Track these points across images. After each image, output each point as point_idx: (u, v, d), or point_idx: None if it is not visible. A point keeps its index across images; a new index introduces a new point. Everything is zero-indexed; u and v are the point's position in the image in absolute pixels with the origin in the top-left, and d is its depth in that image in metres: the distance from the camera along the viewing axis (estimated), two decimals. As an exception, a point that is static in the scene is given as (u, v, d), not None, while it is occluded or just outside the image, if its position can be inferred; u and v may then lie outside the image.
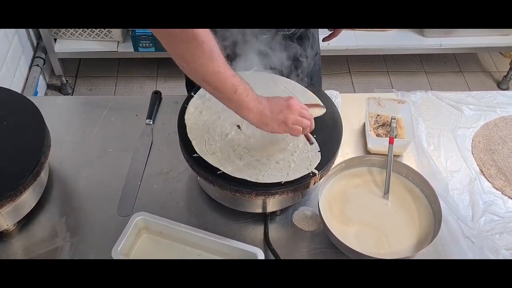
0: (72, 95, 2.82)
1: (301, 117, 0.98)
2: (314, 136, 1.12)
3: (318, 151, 1.10)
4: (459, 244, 1.16)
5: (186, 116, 1.16)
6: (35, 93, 2.59)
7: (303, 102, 1.06)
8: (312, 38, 1.42)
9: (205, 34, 0.91)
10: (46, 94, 2.81)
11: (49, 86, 2.87)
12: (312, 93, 1.23)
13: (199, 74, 0.95)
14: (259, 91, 1.21)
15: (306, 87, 1.25)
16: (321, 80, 1.65)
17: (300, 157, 1.09)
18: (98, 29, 2.60)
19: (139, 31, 2.58)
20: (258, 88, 1.22)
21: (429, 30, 2.76)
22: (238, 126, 1.15)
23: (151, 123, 1.37)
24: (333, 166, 1.16)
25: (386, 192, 1.18)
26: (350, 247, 1.04)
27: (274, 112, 0.97)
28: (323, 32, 1.46)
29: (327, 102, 1.22)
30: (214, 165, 1.06)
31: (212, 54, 0.92)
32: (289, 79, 1.26)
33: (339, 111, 1.22)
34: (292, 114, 0.97)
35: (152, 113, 1.39)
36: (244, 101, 0.96)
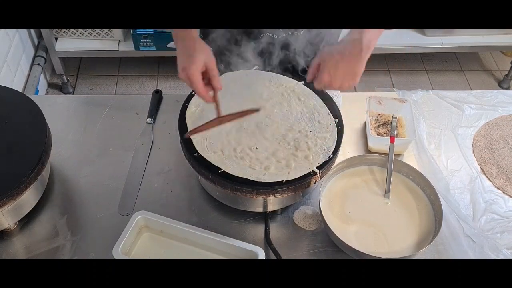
0: (73, 94, 2.83)
1: (189, 77, 1.02)
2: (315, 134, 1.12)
3: (329, 157, 1.10)
4: (459, 243, 1.16)
5: (187, 115, 1.16)
6: (36, 92, 2.59)
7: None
8: None
9: None
10: (47, 93, 2.82)
11: (50, 85, 2.88)
12: (313, 92, 1.23)
13: None
14: (260, 90, 1.22)
15: (307, 86, 1.25)
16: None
17: (301, 156, 1.09)
18: (99, 28, 2.60)
19: (140, 30, 2.58)
20: (258, 87, 1.23)
21: (430, 29, 2.76)
22: (239, 125, 1.15)
23: (152, 122, 1.37)
24: (334, 165, 1.16)
25: (387, 191, 1.18)
26: (351, 246, 1.04)
27: (180, 61, 1.03)
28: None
29: (328, 101, 1.22)
30: (215, 164, 1.06)
31: None
32: (290, 78, 1.26)
33: (340, 110, 1.22)
34: (184, 70, 1.02)
35: (153, 112, 1.39)
36: (175, 43, 1.06)
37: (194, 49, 1.02)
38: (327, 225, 1.09)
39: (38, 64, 2.65)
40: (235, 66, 1.24)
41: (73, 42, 2.68)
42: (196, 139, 1.11)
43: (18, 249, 1.12)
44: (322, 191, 1.16)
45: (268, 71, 1.27)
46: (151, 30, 2.57)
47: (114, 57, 2.87)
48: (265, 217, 1.17)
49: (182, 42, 1.04)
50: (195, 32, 1.05)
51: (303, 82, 1.26)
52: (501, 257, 1.13)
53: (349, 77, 1.04)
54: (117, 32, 2.65)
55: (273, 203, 1.13)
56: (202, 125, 1.06)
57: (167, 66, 2.95)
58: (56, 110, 1.41)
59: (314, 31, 1.27)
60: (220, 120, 1.06)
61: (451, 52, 3.09)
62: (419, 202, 1.18)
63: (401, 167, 1.22)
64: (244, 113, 1.08)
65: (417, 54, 3.10)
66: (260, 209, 1.15)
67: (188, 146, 1.10)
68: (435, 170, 1.29)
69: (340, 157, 1.20)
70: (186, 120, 1.15)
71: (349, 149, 1.34)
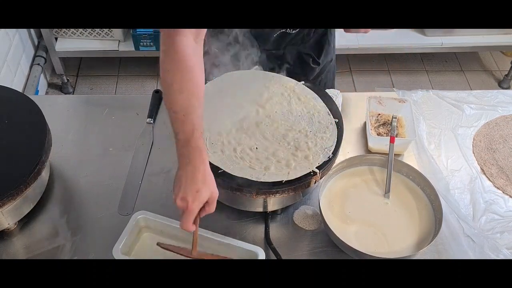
0: (73, 94, 2.83)
1: (186, 210, 0.95)
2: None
3: (329, 157, 1.10)
4: (459, 243, 1.16)
5: (187, 115, 1.16)
6: (36, 92, 2.59)
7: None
8: (328, 45, 1.43)
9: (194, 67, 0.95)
10: (47, 93, 2.82)
11: (50, 85, 2.88)
12: (313, 92, 1.24)
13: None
14: (260, 90, 1.22)
15: (307, 86, 1.25)
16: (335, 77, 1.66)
17: (301, 156, 1.09)
18: (99, 28, 2.60)
19: (140, 30, 2.58)
20: (258, 87, 1.23)
21: (430, 29, 2.76)
22: (240, 125, 1.15)
23: (152, 122, 1.37)
24: (334, 165, 1.16)
25: (387, 191, 1.18)
26: (351, 246, 1.04)
27: (183, 185, 0.95)
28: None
29: (328, 101, 1.22)
30: (215, 164, 1.06)
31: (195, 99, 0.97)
32: (290, 78, 1.26)
33: (340, 110, 1.22)
34: (185, 201, 0.95)
35: (153, 112, 1.39)
36: (178, 150, 0.97)
37: (204, 182, 0.95)
38: (327, 225, 1.09)
39: (38, 64, 2.65)
40: (236, 66, 1.24)
41: (73, 42, 2.67)
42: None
43: (18, 249, 1.12)
44: (322, 191, 1.16)
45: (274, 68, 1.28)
46: (151, 30, 2.57)
47: (114, 57, 2.87)
48: (265, 217, 1.17)
49: (192, 165, 0.95)
50: (205, 153, 0.97)
51: (303, 82, 1.26)
52: (501, 257, 1.13)
53: None
54: (117, 32, 2.65)
55: (273, 203, 1.13)
56: (174, 247, 1.04)
57: (167, 66, 2.95)
58: (56, 110, 1.40)
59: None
60: (190, 255, 1.02)
61: (451, 52, 3.09)
62: (419, 202, 1.18)
63: (401, 167, 1.22)
64: (218, 257, 1.05)
65: (417, 54, 3.10)
66: (260, 209, 1.15)
67: (188, 146, 1.10)
68: (435, 170, 1.29)
69: (340, 157, 1.20)
70: (186, 120, 1.15)
71: (349, 149, 1.34)
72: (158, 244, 1.05)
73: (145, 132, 1.35)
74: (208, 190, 0.96)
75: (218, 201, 1.17)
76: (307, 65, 1.37)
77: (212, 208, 0.99)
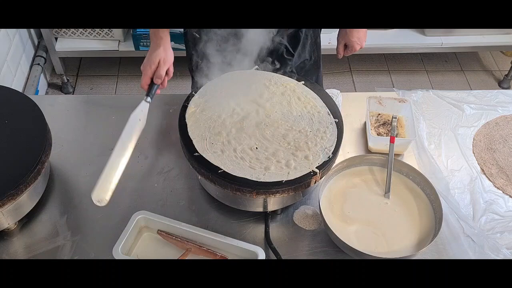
0: (73, 94, 2.82)
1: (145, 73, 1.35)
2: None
3: (329, 157, 1.10)
4: (460, 243, 1.16)
5: (187, 115, 1.16)
6: (36, 92, 2.59)
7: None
8: (306, 39, 1.44)
9: None
10: (47, 93, 2.81)
11: (50, 85, 2.87)
12: (313, 92, 1.23)
13: None
14: (260, 89, 1.22)
15: (307, 86, 1.25)
16: (322, 79, 1.67)
17: (301, 156, 1.09)
18: (99, 28, 2.60)
19: (140, 30, 2.58)
20: (258, 87, 1.23)
21: (430, 29, 2.76)
22: (240, 125, 1.15)
23: (149, 100, 1.32)
24: (334, 165, 1.16)
25: (387, 191, 1.18)
26: (351, 246, 1.04)
27: (150, 57, 1.34)
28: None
29: (328, 101, 1.22)
30: (215, 164, 1.06)
31: None
32: (290, 78, 1.26)
33: (340, 110, 1.22)
34: (147, 67, 1.34)
35: (151, 90, 1.33)
36: (150, 39, 1.34)
37: (152, 51, 1.34)
38: (327, 225, 1.09)
39: (38, 64, 2.65)
40: (235, 66, 1.24)
41: (73, 42, 2.67)
42: (196, 139, 1.11)
43: (18, 249, 1.12)
44: (322, 191, 1.16)
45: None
46: (151, 30, 2.57)
47: (114, 57, 2.87)
48: (265, 217, 1.17)
49: (156, 48, 1.32)
50: (163, 32, 1.29)
51: (303, 82, 1.26)
52: (501, 257, 1.13)
53: (365, 38, 1.48)
54: (117, 32, 2.65)
55: (273, 203, 1.13)
56: (175, 236, 1.10)
57: (167, 66, 2.95)
58: (56, 110, 1.41)
59: None
60: (188, 249, 1.10)
61: (451, 52, 3.08)
62: (419, 202, 1.18)
63: (401, 167, 1.22)
64: (214, 255, 1.09)
65: (417, 54, 3.10)
66: (260, 209, 1.15)
67: (188, 146, 1.10)
68: (435, 170, 1.29)
69: (340, 157, 1.20)
70: (186, 120, 1.15)
71: (349, 149, 1.34)
72: (158, 231, 1.10)
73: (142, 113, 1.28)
74: (166, 64, 1.32)
75: (218, 201, 1.18)
76: (281, 56, 1.37)
77: (169, 74, 1.33)
